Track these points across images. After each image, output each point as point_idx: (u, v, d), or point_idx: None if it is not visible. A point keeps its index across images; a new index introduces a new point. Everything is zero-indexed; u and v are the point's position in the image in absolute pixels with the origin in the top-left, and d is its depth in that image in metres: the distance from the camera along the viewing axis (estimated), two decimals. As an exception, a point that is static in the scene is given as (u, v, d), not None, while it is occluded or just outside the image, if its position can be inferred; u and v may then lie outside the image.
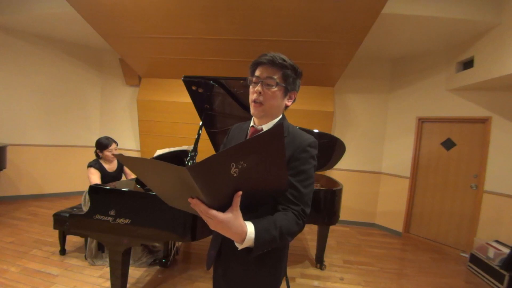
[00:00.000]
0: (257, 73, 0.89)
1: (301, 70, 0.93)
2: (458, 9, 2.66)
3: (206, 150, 2.15)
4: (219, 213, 0.64)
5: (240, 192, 0.65)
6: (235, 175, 0.59)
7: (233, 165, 0.57)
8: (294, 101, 0.96)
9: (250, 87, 0.91)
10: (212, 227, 0.67)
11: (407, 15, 2.70)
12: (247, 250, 0.73)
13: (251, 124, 0.99)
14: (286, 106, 0.95)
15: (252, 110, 0.92)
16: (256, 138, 0.58)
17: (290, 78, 0.88)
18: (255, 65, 0.90)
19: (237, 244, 0.72)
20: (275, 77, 0.86)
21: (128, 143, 4.76)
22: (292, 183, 0.82)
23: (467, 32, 2.96)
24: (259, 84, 0.87)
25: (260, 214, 0.79)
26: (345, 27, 2.68)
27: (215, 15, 2.75)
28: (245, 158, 0.58)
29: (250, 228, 0.70)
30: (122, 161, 0.75)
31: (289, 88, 0.90)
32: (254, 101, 0.89)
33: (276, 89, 0.87)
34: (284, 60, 0.87)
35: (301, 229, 0.82)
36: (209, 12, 2.71)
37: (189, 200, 0.63)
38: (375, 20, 2.54)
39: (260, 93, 0.87)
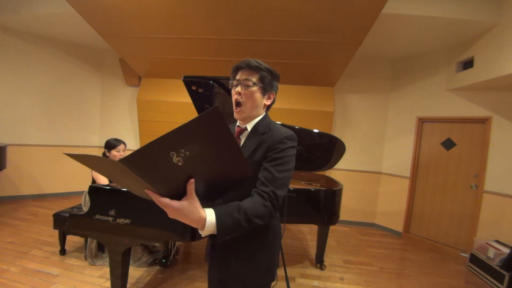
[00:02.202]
0: (237, 77, 0.97)
1: (278, 73, 1.00)
2: (458, 9, 2.67)
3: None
4: (173, 202, 0.65)
5: (193, 180, 0.65)
6: (179, 164, 0.58)
7: (173, 154, 0.56)
8: (273, 101, 1.03)
9: (232, 90, 0.98)
10: (170, 215, 0.68)
11: (407, 15, 2.70)
12: (213, 236, 0.75)
13: (237, 124, 1.05)
14: (266, 106, 1.02)
15: (234, 115, 0.99)
16: (188, 124, 0.55)
17: (267, 79, 0.96)
18: (235, 70, 0.98)
19: (200, 232, 0.74)
20: (253, 78, 0.94)
21: (128, 143, 4.71)
22: (266, 167, 0.88)
23: (467, 32, 2.96)
24: (239, 86, 0.95)
25: (236, 198, 0.82)
26: (345, 27, 2.69)
27: (215, 15, 2.75)
28: (184, 146, 0.56)
29: (210, 214, 0.72)
30: (74, 158, 0.74)
31: (266, 88, 0.97)
32: (236, 102, 0.96)
33: (254, 88, 0.94)
34: (260, 63, 0.95)
35: (270, 211, 0.83)
36: (209, 12, 2.71)
37: (146, 191, 0.64)
38: (375, 20, 2.54)
39: (240, 93, 0.94)
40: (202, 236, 0.75)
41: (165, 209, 0.67)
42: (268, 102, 1.01)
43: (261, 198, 0.83)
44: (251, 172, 0.83)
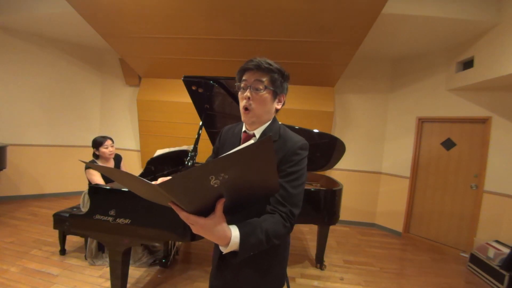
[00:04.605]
0: (244, 77, 0.89)
1: (288, 73, 0.93)
2: (458, 9, 2.66)
3: (206, 150, 2.15)
4: (200, 219, 0.63)
5: (223, 200, 0.64)
6: (215, 185, 0.56)
7: (212, 177, 0.54)
8: (283, 104, 0.96)
9: (239, 93, 0.91)
10: (195, 231, 0.66)
11: (407, 15, 2.70)
12: (232, 253, 0.72)
13: (243, 129, 0.98)
14: (276, 110, 0.95)
15: (242, 117, 0.92)
16: (238, 152, 0.53)
17: (278, 81, 0.89)
18: (242, 71, 0.90)
19: (221, 248, 0.71)
20: (263, 80, 0.86)
21: (128, 143, 4.76)
22: (281, 184, 0.82)
23: (467, 32, 2.96)
24: (248, 90, 0.87)
25: (248, 213, 0.79)
26: (345, 27, 2.68)
27: (215, 15, 2.75)
28: (227, 170, 0.54)
29: (234, 232, 0.70)
30: (96, 169, 0.74)
31: (277, 91, 0.90)
32: (244, 108, 0.88)
33: (264, 93, 0.87)
34: (270, 64, 0.87)
35: (289, 231, 0.82)
36: (209, 12, 2.71)
37: (170, 204, 0.63)
38: (375, 20, 2.54)
39: (249, 98, 0.87)
40: (224, 253, 0.72)
41: (191, 226, 0.65)
42: (278, 106, 0.94)
43: (281, 219, 0.80)
44: (278, 189, 0.80)
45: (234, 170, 0.56)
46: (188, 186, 0.54)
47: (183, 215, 0.63)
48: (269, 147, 0.57)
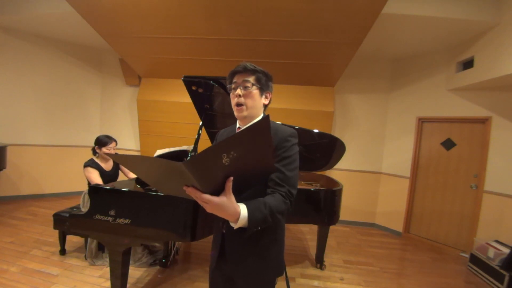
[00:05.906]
0: (234, 80, 1.03)
1: (271, 75, 1.08)
2: (458, 9, 2.67)
3: (206, 150, 2.15)
4: (214, 197, 0.71)
5: (232, 178, 0.72)
6: (226, 164, 0.64)
7: (224, 155, 0.62)
8: (270, 101, 1.09)
9: (231, 93, 1.03)
10: (209, 210, 0.74)
11: (407, 15, 2.70)
12: (241, 230, 0.82)
13: (237, 126, 1.10)
14: (265, 106, 1.08)
15: (235, 113, 1.04)
16: (246, 131, 0.63)
17: (262, 80, 1.02)
18: (232, 75, 1.04)
19: (232, 224, 0.81)
20: (250, 79, 1.00)
21: (128, 143, 4.76)
22: (277, 168, 0.93)
23: (467, 32, 2.96)
24: (238, 88, 1.00)
25: (251, 195, 0.88)
26: (345, 27, 2.69)
27: (215, 15, 2.75)
28: (236, 148, 0.63)
29: (243, 208, 0.79)
30: (117, 160, 0.83)
31: (263, 88, 1.04)
32: (236, 104, 1.01)
33: (252, 89, 1.00)
34: (255, 67, 1.02)
35: (288, 208, 0.92)
36: (209, 12, 2.71)
37: (184, 188, 0.69)
38: (375, 20, 2.54)
39: (240, 95, 0.99)
40: (234, 228, 0.81)
41: (205, 205, 0.73)
42: (266, 102, 1.07)
43: (281, 197, 0.90)
44: (275, 168, 0.90)
45: (242, 148, 0.64)
46: (205, 165, 0.61)
47: (198, 195, 0.70)
48: (267, 124, 0.68)
